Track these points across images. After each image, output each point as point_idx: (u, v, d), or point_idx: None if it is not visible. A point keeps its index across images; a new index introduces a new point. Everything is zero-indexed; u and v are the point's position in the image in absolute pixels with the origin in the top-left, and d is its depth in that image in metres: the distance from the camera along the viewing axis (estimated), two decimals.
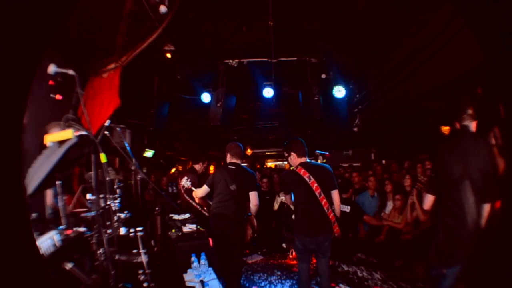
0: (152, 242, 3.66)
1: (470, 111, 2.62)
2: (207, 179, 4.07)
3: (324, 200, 3.26)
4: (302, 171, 3.30)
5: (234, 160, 3.94)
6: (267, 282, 4.41)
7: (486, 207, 2.49)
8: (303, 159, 3.44)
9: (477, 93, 3.80)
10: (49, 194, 2.46)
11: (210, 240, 3.55)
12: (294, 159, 3.46)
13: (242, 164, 4.00)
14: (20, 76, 1.36)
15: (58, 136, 1.82)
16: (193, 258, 3.04)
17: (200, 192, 4.07)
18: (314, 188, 3.23)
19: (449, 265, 2.58)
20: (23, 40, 1.35)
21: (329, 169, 3.39)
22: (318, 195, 3.25)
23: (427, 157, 5.75)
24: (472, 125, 2.64)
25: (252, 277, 4.62)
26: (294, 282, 4.34)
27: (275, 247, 5.88)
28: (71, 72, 1.93)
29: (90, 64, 4.54)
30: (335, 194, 3.32)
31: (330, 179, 3.32)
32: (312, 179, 3.25)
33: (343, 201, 5.17)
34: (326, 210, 3.26)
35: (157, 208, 5.38)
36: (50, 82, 1.90)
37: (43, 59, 1.53)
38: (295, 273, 4.60)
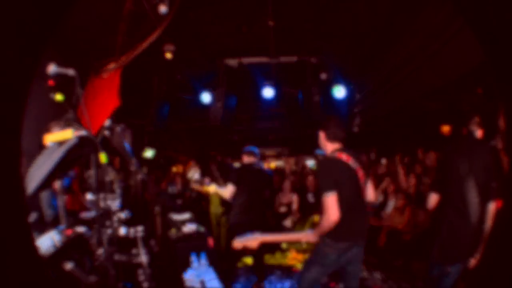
0: (152, 242, 3.66)
1: (476, 119, 2.70)
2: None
3: (365, 191, 2.57)
4: (344, 156, 2.49)
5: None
6: (267, 281, 4.40)
7: (491, 207, 2.53)
8: (336, 145, 2.59)
9: (478, 93, 3.82)
10: (45, 198, 2.46)
11: (210, 240, 3.55)
12: (324, 142, 2.62)
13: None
14: (20, 76, 1.36)
15: (58, 136, 1.81)
16: (193, 258, 3.04)
17: (226, 192, 3.70)
18: (360, 176, 2.51)
19: (453, 262, 2.61)
20: (23, 39, 1.35)
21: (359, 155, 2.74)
22: (362, 185, 2.53)
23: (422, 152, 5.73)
24: (478, 132, 2.72)
25: (251, 277, 4.62)
26: (294, 282, 4.34)
27: (275, 246, 5.87)
28: (71, 72, 1.93)
29: (90, 64, 4.54)
30: (369, 183, 2.67)
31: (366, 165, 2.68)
32: (357, 165, 2.51)
33: None
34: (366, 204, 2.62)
35: (157, 208, 5.38)
36: (50, 82, 1.90)
37: (43, 59, 1.53)
38: (295, 273, 4.60)
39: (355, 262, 2.55)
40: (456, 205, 2.60)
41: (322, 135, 2.63)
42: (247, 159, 3.92)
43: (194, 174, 4.39)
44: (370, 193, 2.67)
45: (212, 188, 3.95)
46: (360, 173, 2.50)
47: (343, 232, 2.40)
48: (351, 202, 2.41)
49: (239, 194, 3.64)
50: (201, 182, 4.42)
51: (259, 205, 3.69)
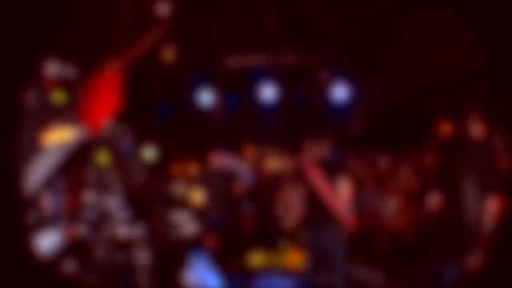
0: (152, 242, 3.66)
1: (476, 118, 2.70)
2: None
3: (328, 189, 2.93)
4: (305, 161, 3.04)
5: None
6: (267, 281, 4.40)
7: (489, 206, 2.53)
8: (319, 149, 3.07)
9: (478, 92, 3.82)
10: (45, 199, 2.45)
11: (210, 240, 3.56)
12: (308, 148, 3.16)
13: None
14: (19, 76, 1.36)
15: (58, 136, 1.81)
16: (193, 258, 3.04)
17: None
18: (314, 177, 2.93)
19: (451, 261, 2.61)
20: (23, 39, 1.34)
21: (342, 156, 3.30)
22: (318, 185, 2.93)
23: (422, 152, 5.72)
24: (477, 132, 2.71)
25: (246, 276, 4.61)
26: (293, 282, 4.34)
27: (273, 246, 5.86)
28: (71, 72, 1.93)
29: (90, 63, 4.54)
30: (341, 183, 2.97)
31: (338, 166, 3.06)
32: (314, 168, 2.94)
33: None
34: (329, 200, 2.93)
35: (157, 208, 5.37)
36: (50, 82, 1.90)
37: (44, 59, 1.53)
38: (295, 272, 4.60)
39: (331, 247, 3.01)
40: (454, 203, 2.61)
41: (308, 142, 3.11)
42: (216, 162, 4.31)
43: (178, 189, 4.47)
44: (343, 193, 2.98)
45: (198, 198, 4.19)
46: (315, 177, 2.94)
47: (308, 220, 3.19)
48: (308, 198, 3.07)
49: (207, 198, 4.10)
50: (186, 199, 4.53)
51: (225, 205, 4.00)
